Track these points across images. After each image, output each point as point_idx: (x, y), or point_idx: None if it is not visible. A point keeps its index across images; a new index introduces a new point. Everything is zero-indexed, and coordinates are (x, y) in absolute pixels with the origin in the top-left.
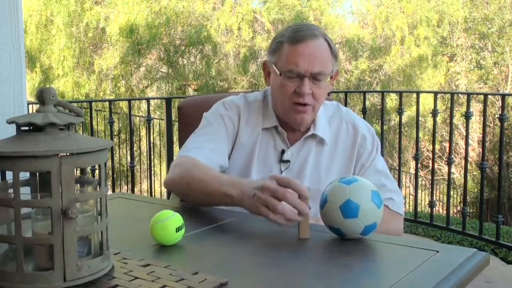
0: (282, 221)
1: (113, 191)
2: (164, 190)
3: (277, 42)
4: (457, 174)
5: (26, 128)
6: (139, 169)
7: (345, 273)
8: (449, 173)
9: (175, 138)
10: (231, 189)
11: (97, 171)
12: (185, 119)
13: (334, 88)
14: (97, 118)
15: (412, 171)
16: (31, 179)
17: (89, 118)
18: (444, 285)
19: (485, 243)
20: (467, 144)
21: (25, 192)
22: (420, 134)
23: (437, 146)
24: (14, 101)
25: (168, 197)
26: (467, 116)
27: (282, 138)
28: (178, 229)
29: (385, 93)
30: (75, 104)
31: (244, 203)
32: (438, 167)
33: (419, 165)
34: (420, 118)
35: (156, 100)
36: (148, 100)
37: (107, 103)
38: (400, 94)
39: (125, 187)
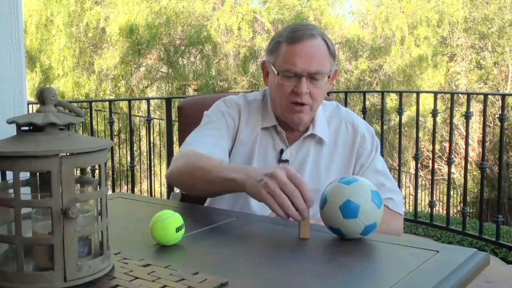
0: (283, 215)
1: (113, 191)
2: (164, 190)
3: (275, 42)
4: (457, 174)
5: (26, 128)
6: (139, 169)
7: (345, 273)
8: (449, 173)
9: (175, 138)
10: (235, 174)
11: (97, 171)
12: (185, 119)
13: (334, 88)
14: (97, 118)
15: (412, 171)
16: (31, 179)
17: (89, 118)
18: (444, 285)
19: (485, 243)
20: (467, 144)
21: (25, 192)
22: (420, 134)
23: (437, 146)
24: (14, 101)
25: (168, 197)
26: (467, 116)
27: (281, 138)
28: (178, 229)
29: (385, 93)
30: (75, 104)
31: (247, 186)
32: (438, 167)
33: (419, 165)
34: (420, 118)
35: (156, 100)
36: (148, 100)
37: (107, 103)
38: (400, 94)
39: (125, 187)
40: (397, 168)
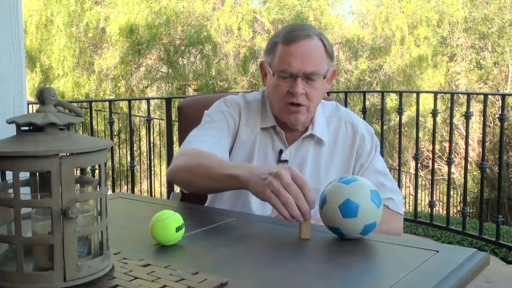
0: (287, 215)
1: (113, 191)
2: (164, 190)
3: (272, 43)
4: (457, 174)
5: (26, 128)
6: (139, 169)
7: (345, 273)
8: (449, 173)
9: (175, 138)
10: (237, 170)
11: (97, 171)
12: (185, 119)
13: (334, 88)
14: (97, 118)
15: (412, 171)
16: (31, 179)
17: (89, 118)
18: (444, 285)
19: (485, 243)
20: (467, 144)
21: (25, 192)
22: (420, 134)
23: (437, 146)
24: (14, 101)
25: (168, 197)
26: (467, 116)
27: (280, 138)
28: (178, 229)
29: (385, 93)
30: (75, 104)
31: (250, 183)
32: (438, 167)
33: (419, 165)
34: (420, 118)
35: (156, 100)
36: (148, 100)
37: (107, 103)
38: (400, 94)
39: (125, 187)
40: (397, 168)
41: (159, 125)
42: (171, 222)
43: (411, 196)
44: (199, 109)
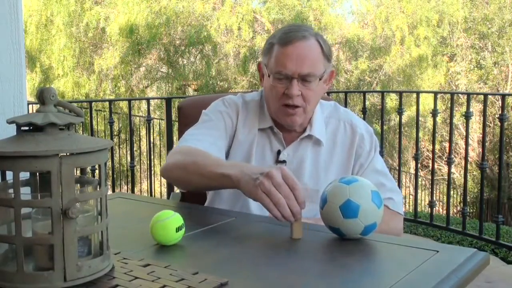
0: (279, 215)
1: (113, 191)
2: (164, 190)
3: (268, 44)
4: (457, 174)
5: (26, 128)
6: (139, 169)
7: (345, 273)
8: (449, 173)
9: (175, 138)
10: (230, 169)
11: (97, 171)
12: (185, 119)
13: (334, 88)
14: (97, 118)
15: (412, 171)
16: (31, 179)
17: (89, 118)
18: (444, 285)
19: (485, 243)
20: (467, 144)
21: (25, 192)
22: (420, 134)
23: (437, 146)
24: (14, 101)
25: (168, 197)
26: (467, 116)
27: (278, 139)
28: (178, 229)
29: (385, 93)
30: (75, 104)
31: (241, 183)
32: (438, 167)
33: (419, 165)
34: (420, 118)
35: (156, 100)
36: (148, 100)
37: (107, 103)
38: (400, 94)
39: (125, 187)
40: (397, 168)
41: (159, 125)
42: (171, 222)
43: (411, 196)
44: (199, 109)
